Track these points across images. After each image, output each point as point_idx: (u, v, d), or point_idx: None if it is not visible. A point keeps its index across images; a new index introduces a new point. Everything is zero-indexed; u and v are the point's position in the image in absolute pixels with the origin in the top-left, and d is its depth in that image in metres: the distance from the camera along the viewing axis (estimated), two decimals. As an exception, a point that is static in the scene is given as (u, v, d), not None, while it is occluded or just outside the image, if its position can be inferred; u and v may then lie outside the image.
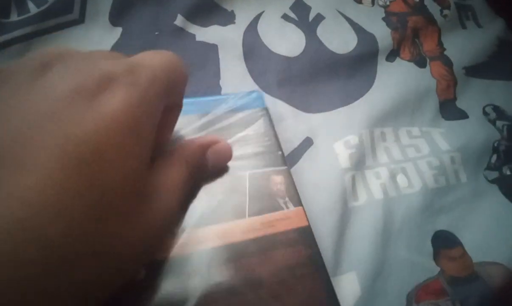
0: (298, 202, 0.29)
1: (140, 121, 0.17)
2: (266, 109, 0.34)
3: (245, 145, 0.30)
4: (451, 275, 0.33)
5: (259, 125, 0.32)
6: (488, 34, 0.51)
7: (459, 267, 0.34)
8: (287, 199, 0.28)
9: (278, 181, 0.29)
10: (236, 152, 0.29)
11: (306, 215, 0.28)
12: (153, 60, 0.20)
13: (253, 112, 0.33)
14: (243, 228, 0.25)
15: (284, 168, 0.30)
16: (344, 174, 0.36)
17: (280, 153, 0.31)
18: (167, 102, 0.20)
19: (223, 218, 0.26)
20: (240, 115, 0.32)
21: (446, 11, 0.52)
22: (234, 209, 0.26)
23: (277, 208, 0.28)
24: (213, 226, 0.25)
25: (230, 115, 0.32)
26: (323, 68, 0.43)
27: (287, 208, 0.28)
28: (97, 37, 0.41)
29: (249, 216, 0.26)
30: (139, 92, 0.17)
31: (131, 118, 0.17)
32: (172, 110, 0.23)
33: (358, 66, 0.44)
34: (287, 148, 0.37)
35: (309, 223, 0.28)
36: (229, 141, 0.30)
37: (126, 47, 0.40)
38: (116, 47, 0.40)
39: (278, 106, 0.40)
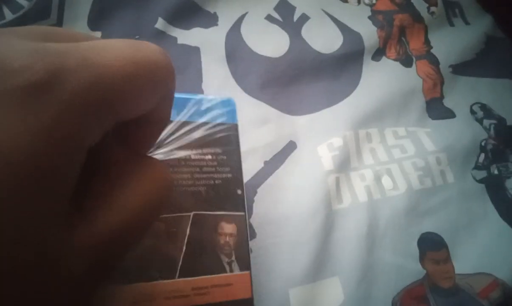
0: (246, 264, 0.22)
1: (44, 166, 0.11)
2: (236, 127, 0.27)
3: (200, 172, 0.23)
4: (435, 282, 0.33)
5: (223, 148, 0.25)
6: (476, 31, 0.50)
7: (442, 273, 0.33)
8: (233, 258, 0.22)
9: (228, 231, 0.23)
10: (186, 181, 0.23)
11: (251, 284, 0.22)
12: (109, 53, 0.13)
13: (222, 128, 0.26)
14: (167, 292, 0.20)
15: (240, 214, 0.23)
16: (327, 176, 0.36)
17: (239, 192, 0.24)
18: (124, 117, 0.14)
19: (146, 275, 0.20)
20: (206, 128, 0.25)
21: (433, 8, 0.51)
22: (163, 264, 0.20)
23: (218, 269, 0.21)
24: (131, 287, 0.19)
25: (195, 124, 0.25)
26: (308, 68, 0.42)
27: (231, 270, 0.22)
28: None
29: (179, 275, 0.20)
30: (50, 115, 0.11)
31: (26, 164, 0.11)
32: (149, 123, 0.16)
33: (343, 66, 0.43)
34: (270, 152, 0.37)
35: (252, 295, 0.22)
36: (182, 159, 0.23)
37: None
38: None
39: (261, 109, 0.39)
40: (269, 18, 0.46)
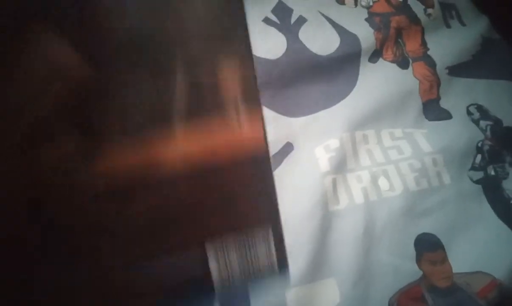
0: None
1: None
2: None
3: None
4: (432, 283, 0.33)
5: None
6: (472, 33, 0.50)
7: (439, 274, 0.33)
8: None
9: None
10: None
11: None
12: None
13: None
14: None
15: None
16: (324, 178, 0.36)
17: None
18: None
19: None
20: None
21: (430, 10, 0.51)
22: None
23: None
24: None
25: None
26: (305, 70, 0.43)
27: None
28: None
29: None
30: None
31: None
32: None
33: (340, 68, 0.44)
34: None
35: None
36: None
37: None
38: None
39: (258, 111, 0.39)
40: (267, 20, 0.46)
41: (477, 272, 0.33)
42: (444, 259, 0.34)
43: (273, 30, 0.46)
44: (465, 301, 0.32)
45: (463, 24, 0.52)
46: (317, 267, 0.33)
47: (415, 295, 0.32)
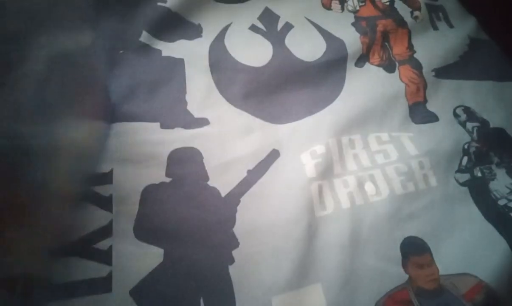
0: None
1: None
2: None
3: None
4: (419, 286, 0.33)
5: None
6: (460, 34, 0.50)
7: (426, 277, 0.33)
8: None
9: None
10: None
11: None
12: None
13: None
14: None
15: None
16: (310, 184, 0.36)
17: None
18: None
19: None
20: None
21: (416, 13, 0.52)
22: None
23: None
24: None
25: None
26: (291, 77, 0.43)
27: None
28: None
29: None
30: None
31: None
32: None
33: (327, 74, 0.44)
34: (254, 161, 0.37)
35: None
36: None
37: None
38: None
39: (244, 119, 0.40)
40: (253, 27, 0.47)
41: (463, 274, 0.34)
42: (431, 262, 0.34)
43: (259, 38, 0.46)
44: (452, 303, 0.32)
45: (450, 25, 0.52)
46: (303, 273, 0.33)
47: (402, 298, 0.32)
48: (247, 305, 0.31)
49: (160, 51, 0.43)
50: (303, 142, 0.39)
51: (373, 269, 0.34)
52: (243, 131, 0.39)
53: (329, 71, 0.44)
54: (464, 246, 0.35)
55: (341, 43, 0.46)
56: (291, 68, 0.43)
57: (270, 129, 0.39)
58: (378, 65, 0.46)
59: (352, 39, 0.47)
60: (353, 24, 0.49)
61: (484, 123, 0.44)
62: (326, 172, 0.37)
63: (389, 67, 0.46)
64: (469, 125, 0.43)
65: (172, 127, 0.39)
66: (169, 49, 0.43)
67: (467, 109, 0.45)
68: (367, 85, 0.44)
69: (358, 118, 0.41)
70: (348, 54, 0.46)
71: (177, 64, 0.42)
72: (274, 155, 0.38)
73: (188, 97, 0.40)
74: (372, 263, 0.34)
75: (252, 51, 0.44)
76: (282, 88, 0.42)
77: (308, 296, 0.32)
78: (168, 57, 0.43)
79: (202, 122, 0.39)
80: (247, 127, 0.39)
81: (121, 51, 0.42)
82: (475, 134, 0.43)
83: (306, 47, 0.46)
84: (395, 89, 0.44)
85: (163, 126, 0.39)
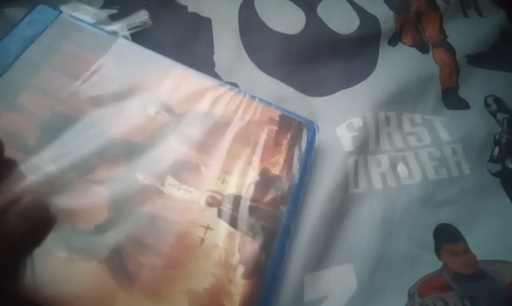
0: None
1: None
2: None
3: None
4: (456, 271, 0.32)
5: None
6: (490, 24, 0.49)
7: (463, 264, 0.32)
8: None
9: None
10: None
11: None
12: None
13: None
14: None
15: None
16: (348, 158, 0.34)
17: None
18: None
19: None
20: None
21: (447, -4, 0.50)
22: None
23: None
24: None
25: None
26: (324, 48, 0.40)
27: None
28: None
29: None
30: None
31: None
32: None
33: (361, 49, 0.42)
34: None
35: None
36: None
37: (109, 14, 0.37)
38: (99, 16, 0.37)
39: (276, 86, 0.37)
40: None
41: (505, 262, 0.32)
42: (466, 250, 0.33)
43: (290, 4, 0.43)
44: (497, 291, 0.31)
45: (480, 14, 0.51)
46: (336, 252, 0.31)
47: (439, 282, 0.31)
48: (280, 281, 0.29)
49: (185, 7, 0.40)
50: (339, 115, 0.36)
51: (406, 254, 0.32)
52: (275, 99, 0.36)
53: (363, 46, 0.42)
54: (499, 235, 0.34)
55: (374, 19, 0.44)
56: (325, 39, 0.41)
57: (303, 100, 0.37)
58: (411, 46, 0.44)
59: (385, 16, 0.45)
60: (386, 1, 0.46)
61: (514, 115, 0.43)
62: (363, 146, 0.35)
63: (423, 47, 0.44)
64: (500, 116, 0.42)
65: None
66: (195, 5, 0.40)
67: (497, 100, 0.44)
68: (401, 63, 0.42)
69: (394, 95, 0.39)
70: (381, 32, 0.44)
71: (204, 23, 0.39)
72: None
73: (216, 58, 0.37)
74: (405, 248, 0.33)
75: (284, 18, 0.41)
76: (316, 59, 0.40)
77: (339, 276, 0.30)
78: (194, 14, 0.39)
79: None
80: (279, 96, 0.36)
81: (144, 2, 0.38)
82: (505, 126, 0.42)
83: (339, 19, 0.43)
84: (429, 71, 0.42)
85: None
